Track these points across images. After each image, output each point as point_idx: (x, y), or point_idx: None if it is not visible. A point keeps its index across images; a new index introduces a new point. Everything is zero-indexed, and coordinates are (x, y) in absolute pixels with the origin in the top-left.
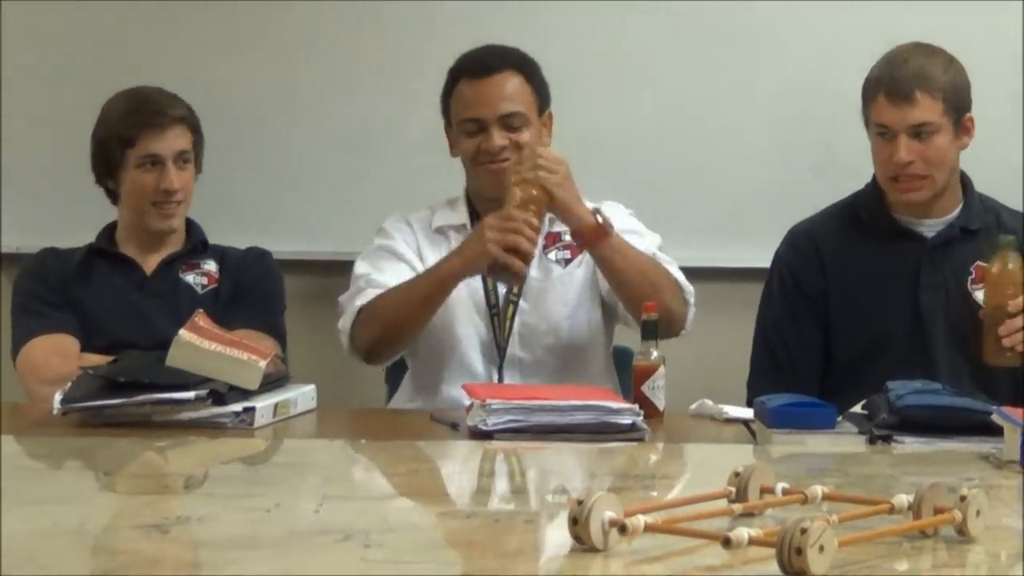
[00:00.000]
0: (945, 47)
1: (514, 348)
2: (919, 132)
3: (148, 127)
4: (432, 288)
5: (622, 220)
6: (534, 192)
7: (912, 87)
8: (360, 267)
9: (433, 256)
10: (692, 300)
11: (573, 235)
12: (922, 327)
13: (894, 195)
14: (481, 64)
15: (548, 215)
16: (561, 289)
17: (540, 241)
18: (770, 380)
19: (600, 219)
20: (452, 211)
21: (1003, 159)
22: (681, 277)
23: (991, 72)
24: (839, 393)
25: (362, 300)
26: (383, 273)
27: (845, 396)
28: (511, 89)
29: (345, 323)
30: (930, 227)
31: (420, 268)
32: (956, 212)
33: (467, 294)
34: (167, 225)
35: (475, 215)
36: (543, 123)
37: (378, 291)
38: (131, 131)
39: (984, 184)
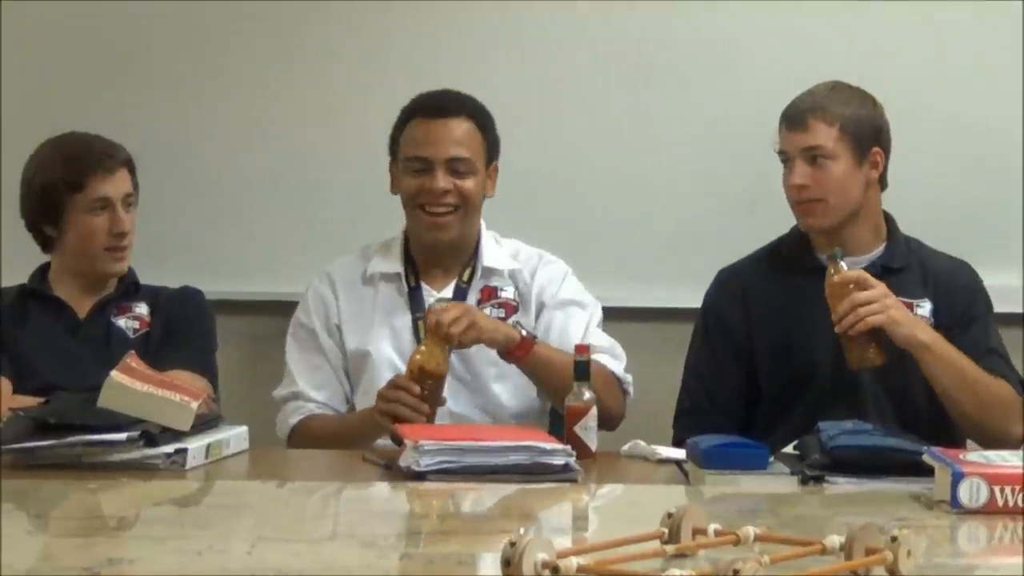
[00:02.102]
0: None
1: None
2: (814, 157)
3: (96, 171)
4: (351, 443)
5: (563, 290)
6: (436, 357)
7: (806, 114)
8: (291, 358)
9: (354, 319)
10: (631, 388)
11: (500, 355)
12: (846, 363)
13: (801, 222)
14: (437, 105)
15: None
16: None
17: (474, 297)
18: (692, 421)
19: (523, 333)
20: (386, 258)
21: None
22: (618, 367)
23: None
24: (769, 430)
25: (294, 419)
26: (312, 380)
27: (775, 433)
28: (462, 134)
29: (281, 433)
30: (853, 265)
31: (339, 360)
32: (879, 251)
33: (393, 347)
34: (119, 268)
35: (410, 260)
36: (488, 175)
37: (309, 406)
38: (79, 176)
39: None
